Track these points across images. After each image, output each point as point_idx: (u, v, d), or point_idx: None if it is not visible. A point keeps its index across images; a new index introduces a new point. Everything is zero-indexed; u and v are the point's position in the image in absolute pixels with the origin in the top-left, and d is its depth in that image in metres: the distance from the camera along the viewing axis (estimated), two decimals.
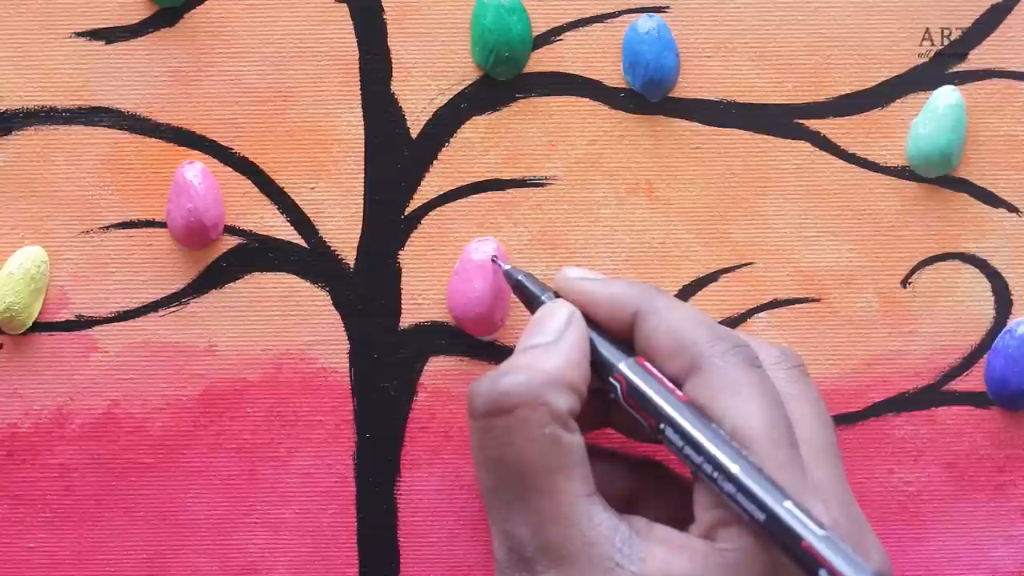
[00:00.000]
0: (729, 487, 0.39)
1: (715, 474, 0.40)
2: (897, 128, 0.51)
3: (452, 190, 0.51)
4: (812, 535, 0.38)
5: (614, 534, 0.39)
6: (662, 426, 0.41)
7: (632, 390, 0.42)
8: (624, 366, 0.42)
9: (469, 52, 0.50)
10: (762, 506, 0.38)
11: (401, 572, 0.51)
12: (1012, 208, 0.51)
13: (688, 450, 0.40)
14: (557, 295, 0.45)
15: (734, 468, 0.39)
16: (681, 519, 0.42)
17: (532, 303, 0.46)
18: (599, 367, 0.43)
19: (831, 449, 0.42)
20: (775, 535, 0.38)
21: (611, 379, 0.43)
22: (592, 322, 0.44)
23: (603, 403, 0.45)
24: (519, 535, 0.40)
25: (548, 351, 0.42)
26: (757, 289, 0.51)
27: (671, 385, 0.42)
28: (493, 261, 0.49)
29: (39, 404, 0.50)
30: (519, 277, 0.47)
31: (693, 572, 0.39)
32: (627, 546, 0.39)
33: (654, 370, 0.42)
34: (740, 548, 0.39)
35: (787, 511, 0.38)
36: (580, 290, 0.44)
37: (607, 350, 0.43)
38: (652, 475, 0.47)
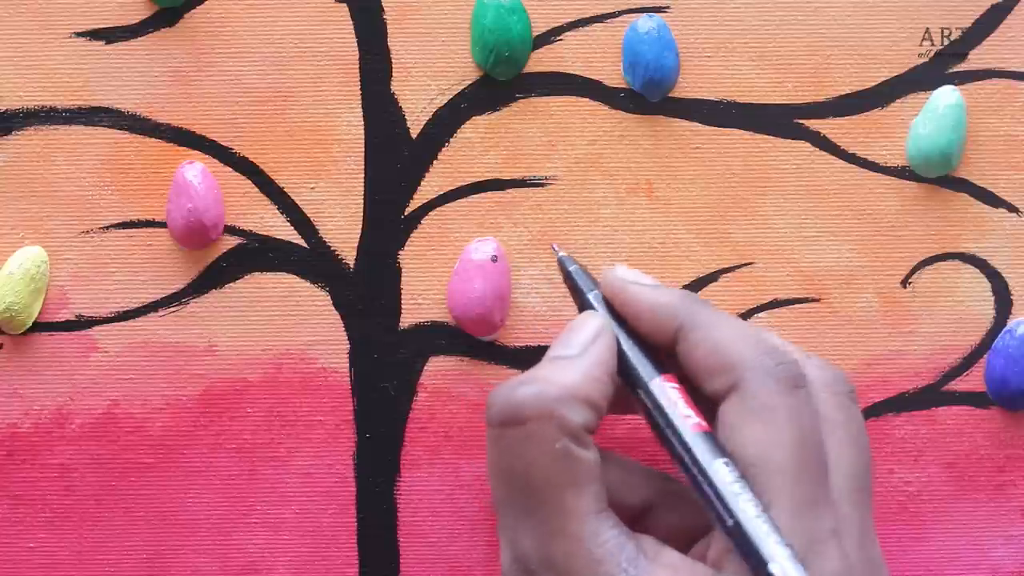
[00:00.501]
0: (727, 539, 0.38)
1: (716, 522, 0.39)
2: (897, 128, 0.51)
3: (452, 190, 0.51)
4: None
5: (620, 553, 0.39)
6: (674, 461, 0.40)
7: (649, 416, 0.41)
8: (648, 386, 0.41)
9: (469, 52, 0.50)
10: (754, 562, 0.37)
11: (401, 572, 0.51)
12: (1012, 208, 0.51)
13: (695, 490, 0.40)
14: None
15: (729, 521, 0.38)
16: (695, 531, 0.41)
17: (577, 297, 0.45)
18: (630, 383, 0.42)
19: (863, 485, 0.41)
20: None
21: (637, 399, 0.42)
22: (632, 330, 0.43)
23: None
24: (525, 547, 0.40)
25: (569, 364, 0.41)
26: (757, 289, 0.51)
27: (689, 413, 0.40)
28: (553, 246, 0.47)
29: (39, 404, 0.50)
30: (570, 268, 0.45)
31: None
32: (632, 567, 0.38)
33: (677, 395, 0.41)
34: None
35: (775, 571, 0.37)
36: (625, 295, 0.43)
37: (639, 365, 0.42)
38: (669, 486, 0.46)
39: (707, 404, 0.41)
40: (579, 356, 0.41)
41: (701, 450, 0.39)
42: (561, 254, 0.46)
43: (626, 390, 0.42)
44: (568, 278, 0.46)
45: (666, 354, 0.42)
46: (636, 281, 0.43)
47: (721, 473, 0.39)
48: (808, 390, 0.40)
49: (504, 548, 0.41)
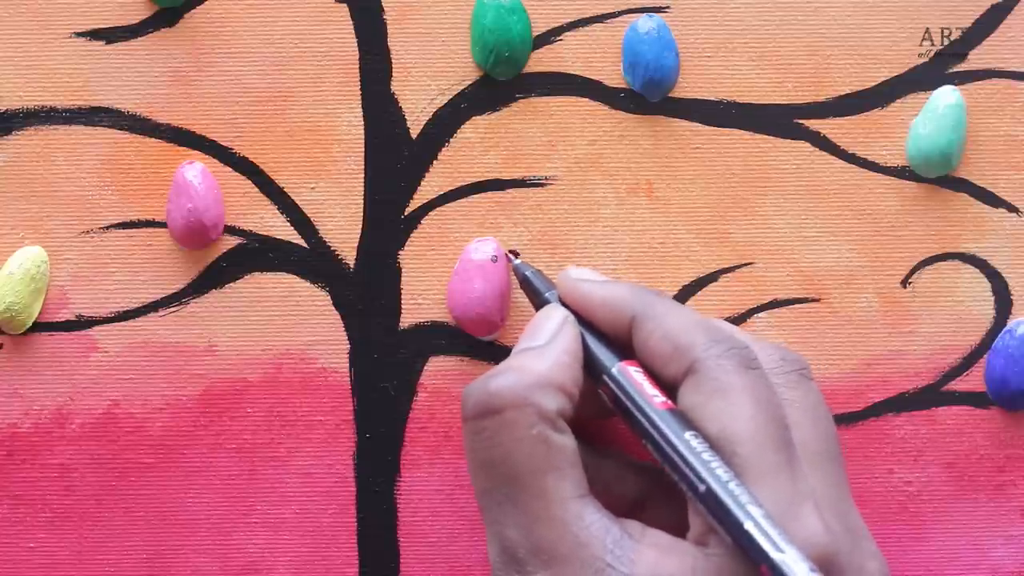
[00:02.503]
0: (701, 506, 0.39)
1: (688, 492, 0.39)
2: (897, 128, 0.51)
3: (452, 190, 0.51)
4: (773, 553, 0.37)
5: (605, 535, 0.39)
6: (643, 441, 0.41)
7: (614, 399, 0.42)
8: (611, 371, 0.42)
9: (469, 52, 0.50)
10: (729, 526, 0.38)
11: (401, 572, 0.51)
12: (1012, 208, 0.51)
13: (665, 464, 0.40)
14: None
15: (701, 487, 0.39)
16: (687, 525, 0.41)
17: (536, 300, 0.46)
18: (592, 372, 0.43)
19: (829, 454, 0.42)
20: (746, 550, 0.38)
21: (600, 386, 0.43)
22: (590, 326, 0.44)
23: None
24: (511, 536, 0.40)
25: (539, 354, 0.42)
26: (757, 289, 0.51)
27: (651, 393, 0.41)
28: (508, 254, 0.49)
29: (39, 404, 0.50)
30: (526, 273, 0.47)
31: (682, 575, 0.39)
32: (618, 547, 0.39)
33: (639, 377, 0.42)
34: (727, 554, 0.39)
35: (750, 530, 0.38)
36: (578, 292, 0.44)
37: (599, 354, 0.43)
38: (661, 481, 0.46)
39: (666, 391, 0.42)
40: (547, 345, 0.42)
41: (669, 425, 0.40)
42: (516, 262, 0.48)
43: (595, 388, 0.43)
44: (525, 282, 0.47)
45: (623, 346, 0.43)
46: (587, 279, 0.44)
47: (692, 443, 0.40)
48: (762, 371, 0.41)
49: (491, 540, 0.41)
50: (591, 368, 0.43)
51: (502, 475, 0.40)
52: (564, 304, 0.45)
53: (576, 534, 0.39)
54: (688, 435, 0.40)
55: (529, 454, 0.40)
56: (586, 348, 0.43)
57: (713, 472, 0.39)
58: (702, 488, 0.39)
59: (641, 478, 0.46)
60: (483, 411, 0.41)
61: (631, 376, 0.42)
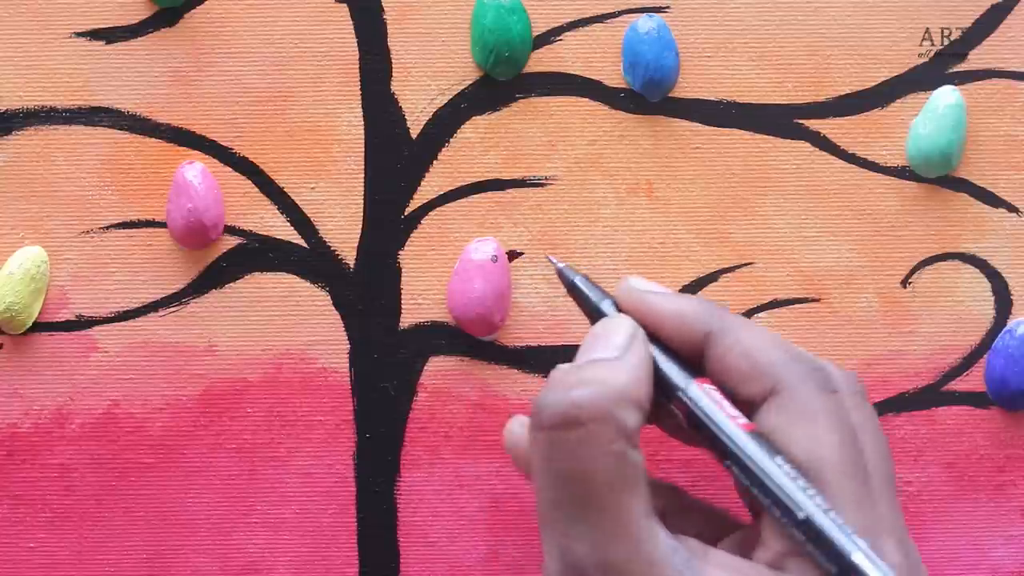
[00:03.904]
0: (797, 533, 0.38)
1: (783, 518, 0.39)
2: (897, 128, 0.51)
3: (452, 190, 0.51)
4: None
5: (674, 555, 0.38)
6: (727, 462, 0.40)
7: (694, 418, 0.41)
8: (688, 390, 0.41)
9: (469, 52, 0.50)
10: (832, 556, 0.37)
11: (401, 572, 0.51)
12: (1012, 208, 0.51)
13: (755, 488, 0.39)
14: (616, 303, 0.43)
15: (800, 515, 0.38)
16: (706, 540, 0.41)
17: (588, 309, 0.44)
18: (661, 388, 0.41)
19: (891, 480, 0.41)
20: None
21: (673, 402, 0.42)
22: (656, 339, 0.42)
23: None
24: (578, 551, 0.39)
25: (616, 366, 0.40)
26: (757, 289, 0.51)
27: (735, 414, 0.40)
28: (548, 260, 0.46)
29: (39, 404, 0.50)
30: (575, 280, 0.44)
31: None
32: (688, 568, 0.38)
33: (719, 396, 0.41)
34: None
35: (859, 562, 0.37)
36: (646, 306, 0.42)
37: (671, 371, 0.41)
38: (678, 496, 0.46)
39: (743, 410, 0.41)
40: (622, 358, 0.41)
41: (757, 449, 0.39)
42: (560, 265, 0.45)
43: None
44: (573, 290, 0.44)
45: (691, 364, 0.42)
46: (653, 291, 0.43)
47: (784, 469, 0.39)
48: (841, 395, 0.40)
49: (551, 555, 0.40)
50: (660, 385, 0.41)
51: (576, 489, 0.39)
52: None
53: (649, 553, 0.38)
54: (779, 459, 0.39)
55: (608, 470, 0.38)
56: (655, 364, 0.41)
57: (813, 499, 0.38)
58: (801, 515, 0.38)
59: (659, 494, 0.44)
60: (563, 422, 0.39)
61: (711, 395, 0.41)
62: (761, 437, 0.40)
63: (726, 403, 0.41)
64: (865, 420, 0.41)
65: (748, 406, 0.41)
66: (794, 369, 0.40)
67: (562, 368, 0.41)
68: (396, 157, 0.50)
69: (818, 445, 0.39)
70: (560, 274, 0.45)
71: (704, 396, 0.41)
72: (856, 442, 0.40)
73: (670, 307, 0.42)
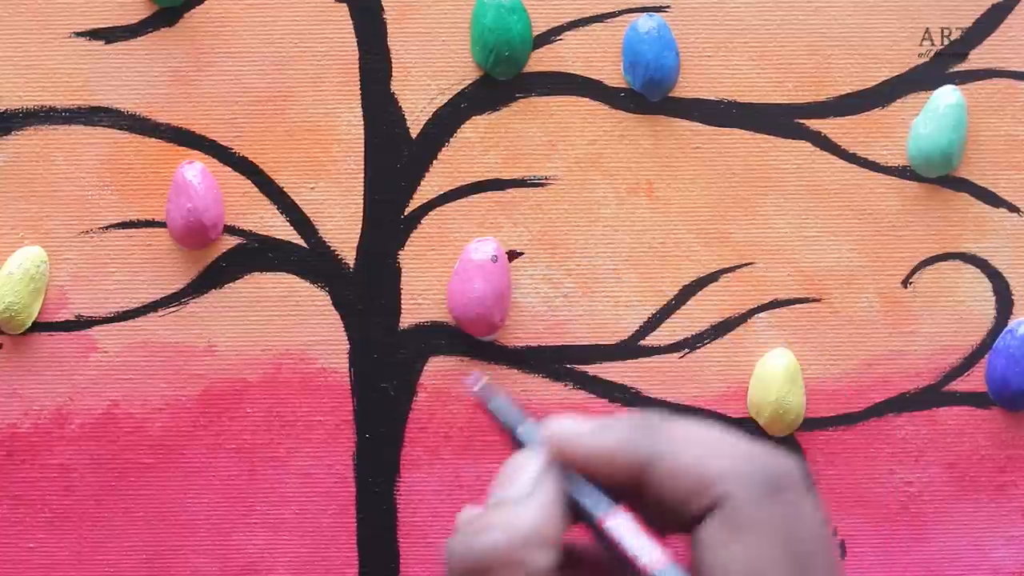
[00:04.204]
0: None
1: None
2: (897, 128, 0.51)
3: (452, 190, 0.51)
4: None
5: None
6: None
7: (608, 550, 0.39)
8: (603, 526, 0.39)
9: (469, 52, 0.50)
10: None
11: (401, 572, 0.51)
12: (1013, 208, 0.51)
13: None
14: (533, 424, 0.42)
15: None
16: None
17: (507, 433, 0.42)
18: (579, 517, 0.40)
19: (832, 570, 0.39)
20: None
21: (592, 533, 0.41)
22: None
23: None
24: None
25: (523, 506, 0.39)
26: (757, 289, 0.51)
27: (649, 546, 0.38)
28: (470, 383, 0.44)
29: (39, 404, 0.50)
30: (491, 406, 0.42)
31: None
32: None
33: (635, 528, 0.39)
34: None
35: None
36: (575, 452, 0.40)
37: (587, 502, 0.40)
38: None
39: (679, 526, 0.40)
40: (530, 496, 0.39)
41: None
42: (479, 386, 0.42)
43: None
44: (491, 415, 0.42)
45: (621, 490, 0.40)
46: (579, 432, 0.40)
47: None
48: (791, 492, 0.39)
49: None
50: (578, 514, 0.40)
51: None
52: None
53: None
54: None
55: None
56: (574, 494, 0.40)
57: None
58: None
59: None
60: (470, 570, 0.40)
61: (626, 527, 0.39)
62: (676, 569, 0.39)
63: (643, 537, 0.39)
64: (811, 511, 0.39)
65: (688, 524, 0.39)
66: (738, 477, 0.38)
67: (470, 512, 0.40)
68: (396, 157, 0.50)
69: (758, 559, 0.38)
70: (479, 396, 0.42)
71: (618, 530, 0.40)
72: (804, 550, 0.38)
73: (596, 449, 0.40)
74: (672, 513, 0.39)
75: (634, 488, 0.40)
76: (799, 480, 0.40)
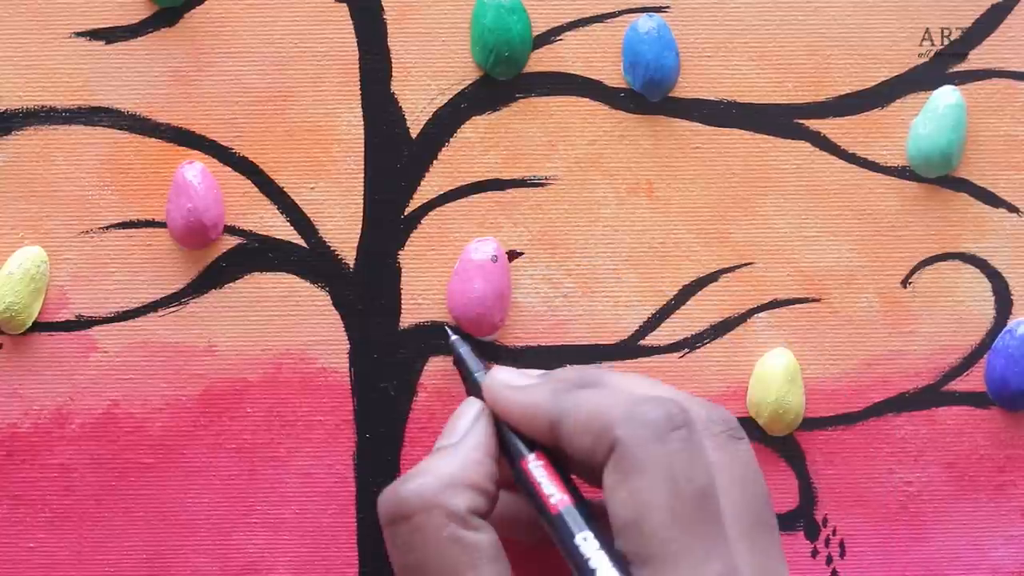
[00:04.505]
0: None
1: None
2: (897, 128, 0.51)
3: (452, 190, 0.51)
4: None
5: None
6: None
7: (529, 491, 0.41)
8: (517, 468, 0.42)
9: (469, 52, 0.50)
10: None
11: None
12: (1012, 208, 0.51)
13: (569, 561, 0.40)
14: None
15: None
16: None
17: (465, 382, 0.46)
18: (511, 461, 0.42)
19: (758, 521, 0.40)
20: None
21: (516, 474, 0.42)
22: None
23: None
24: None
25: (450, 452, 0.41)
26: (757, 289, 0.51)
27: (548, 492, 0.40)
28: (448, 330, 0.49)
29: (39, 404, 0.50)
30: (460, 351, 0.46)
31: None
32: None
33: (539, 474, 0.41)
34: None
35: None
36: (497, 403, 0.43)
37: (510, 449, 0.42)
38: None
39: (596, 477, 0.41)
40: (458, 443, 0.42)
41: (562, 526, 0.40)
42: (453, 338, 0.47)
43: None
44: (457, 360, 0.46)
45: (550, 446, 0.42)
46: (509, 384, 0.43)
47: (582, 547, 0.39)
48: (690, 428, 0.39)
49: None
50: (508, 461, 0.42)
51: None
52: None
53: None
54: (580, 536, 0.39)
55: (444, 556, 0.39)
56: (502, 440, 0.42)
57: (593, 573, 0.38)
58: None
59: None
60: (394, 517, 0.40)
61: (530, 474, 0.41)
62: (575, 511, 0.40)
63: (546, 480, 0.41)
64: (727, 461, 0.40)
65: (599, 473, 0.40)
66: (629, 422, 0.39)
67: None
68: (396, 157, 0.50)
69: (641, 503, 0.38)
70: (451, 346, 0.46)
71: (527, 473, 0.41)
72: (697, 488, 0.38)
73: (517, 403, 0.42)
74: (587, 464, 0.40)
75: (554, 443, 0.41)
76: (713, 425, 0.40)
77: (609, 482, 0.39)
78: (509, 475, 0.42)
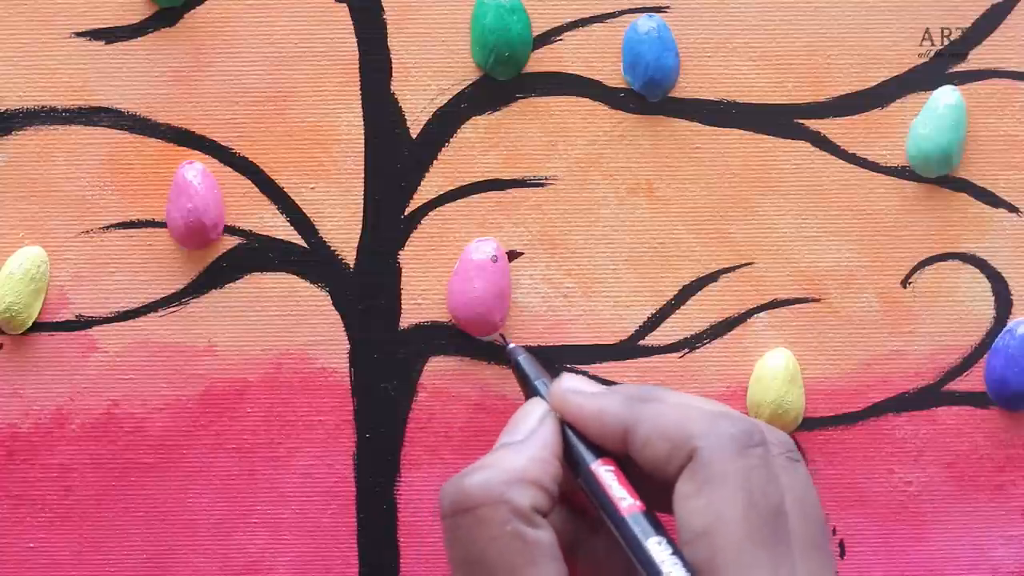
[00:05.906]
0: None
1: None
2: (897, 128, 0.51)
3: (452, 190, 0.51)
4: None
5: None
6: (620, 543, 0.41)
7: (596, 495, 0.42)
8: (584, 472, 0.42)
9: (469, 52, 0.50)
10: None
11: (401, 572, 0.51)
12: (1012, 208, 0.51)
13: (639, 567, 0.40)
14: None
15: None
16: None
17: (524, 389, 0.45)
18: (576, 465, 0.43)
19: (816, 544, 0.40)
20: None
21: (583, 478, 0.42)
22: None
23: None
24: None
25: (515, 450, 0.41)
26: (757, 289, 0.51)
27: (619, 496, 0.41)
28: (501, 338, 0.49)
29: (39, 404, 0.50)
30: (518, 358, 0.45)
31: None
32: None
33: (608, 478, 0.41)
34: None
35: None
36: (567, 407, 0.43)
37: (577, 453, 0.42)
38: None
39: (664, 486, 0.41)
40: (524, 441, 0.42)
41: (634, 530, 0.40)
42: (510, 346, 0.46)
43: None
44: (516, 368, 0.45)
45: (620, 454, 0.42)
46: (578, 390, 0.43)
47: (654, 551, 0.39)
48: (765, 447, 0.40)
49: None
50: (573, 465, 0.43)
51: (480, 572, 0.40)
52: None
53: None
54: (652, 540, 0.39)
55: (504, 551, 0.39)
56: (567, 443, 0.42)
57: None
58: None
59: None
60: (457, 508, 0.40)
61: (600, 477, 0.41)
62: (646, 517, 0.40)
63: (616, 484, 0.41)
64: (790, 483, 0.40)
65: (674, 481, 0.40)
66: (710, 434, 0.40)
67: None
68: (396, 157, 0.50)
69: (716, 513, 0.38)
70: (508, 353, 0.46)
71: (596, 477, 0.41)
72: (770, 506, 0.39)
73: (590, 408, 0.42)
74: (657, 472, 0.41)
75: (623, 449, 0.42)
76: (781, 447, 0.41)
77: (683, 491, 0.39)
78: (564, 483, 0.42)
